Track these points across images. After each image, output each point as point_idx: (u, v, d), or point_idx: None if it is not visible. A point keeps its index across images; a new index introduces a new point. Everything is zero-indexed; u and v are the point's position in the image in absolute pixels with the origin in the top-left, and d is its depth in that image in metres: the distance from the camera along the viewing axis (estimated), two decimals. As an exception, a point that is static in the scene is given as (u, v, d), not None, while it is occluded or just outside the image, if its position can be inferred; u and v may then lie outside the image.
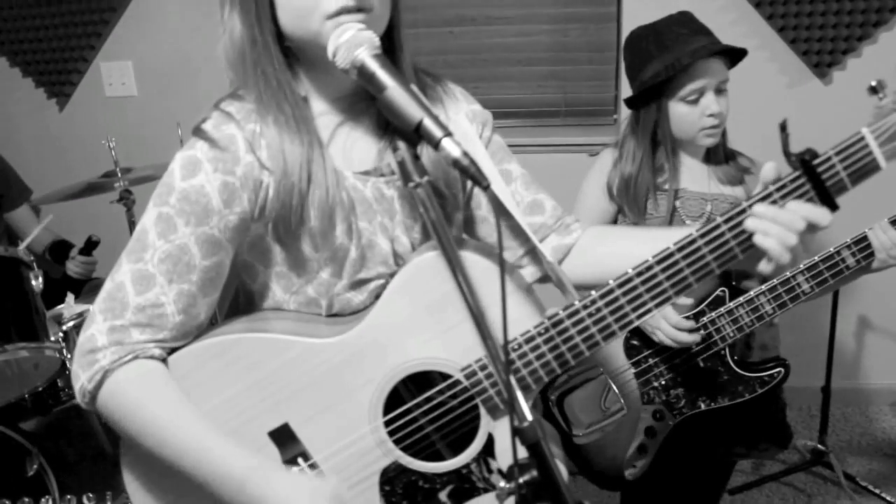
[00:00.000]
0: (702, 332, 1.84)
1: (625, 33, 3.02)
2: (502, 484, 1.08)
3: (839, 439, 3.12)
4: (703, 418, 1.90)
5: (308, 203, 1.17)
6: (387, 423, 1.22)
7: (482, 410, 1.22)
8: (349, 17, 1.09)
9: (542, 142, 3.20)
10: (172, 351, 1.19)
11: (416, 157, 1.08)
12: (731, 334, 1.85)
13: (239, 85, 1.20)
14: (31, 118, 3.50)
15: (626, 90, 2.08)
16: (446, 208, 1.29)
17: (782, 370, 1.87)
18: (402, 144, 1.09)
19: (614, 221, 2.05)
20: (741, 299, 1.84)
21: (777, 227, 1.06)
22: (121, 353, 1.14)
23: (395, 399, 1.22)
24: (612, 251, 1.32)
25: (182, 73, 3.22)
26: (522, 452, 0.97)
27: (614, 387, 1.86)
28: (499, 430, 1.22)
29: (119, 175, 2.62)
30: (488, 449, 1.23)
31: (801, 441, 3.02)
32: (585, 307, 1.15)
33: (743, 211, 1.09)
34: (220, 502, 1.17)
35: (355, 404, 1.20)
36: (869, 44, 2.91)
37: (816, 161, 1.06)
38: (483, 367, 1.19)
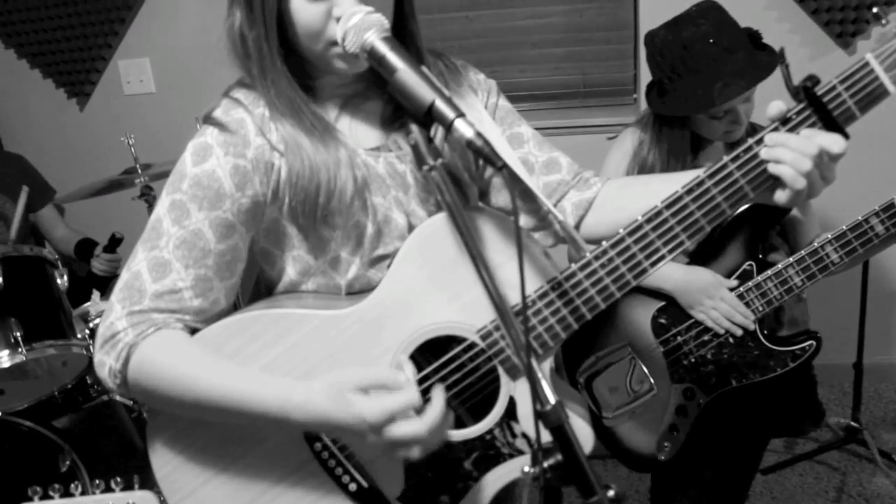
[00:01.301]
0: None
1: (641, 11, 3.01)
2: (527, 469, 1.07)
3: (873, 416, 3.07)
4: (734, 395, 1.88)
5: (333, 197, 1.18)
6: None
7: (501, 372, 1.21)
8: None
9: (561, 124, 3.17)
10: (194, 332, 1.20)
11: (430, 140, 1.08)
12: (761, 308, 1.83)
13: (245, 76, 1.21)
14: (53, 118, 3.53)
15: (645, 69, 2.04)
16: (462, 186, 1.29)
17: (814, 343, 1.85)
18: (414, 127, 1.08)
19: None
20: (769, 272, 1.81)
21: (789, 153, 1.04)
22: (143, 327, 1.15)
23: (414, 367, 1.21)
24: (633, 199, 1.28)
25: (199, 69, 3.22)
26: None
27: (643, 367, 1.84)
28: (519, 391, 1.21)
29: (139, 171, 2.63)
30: (510, 413, 1.22)
31: (833, 419, 2.98)
32: (597, 258, 1.15)
33: (749, 148, 1.08)
34: (250, 478, 1.20)
35: None
36: (893, 10, 2.84)
37: (822, 91, 1.04)
38: (498, 327, 1.18)
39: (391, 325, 1.19)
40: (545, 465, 1.02)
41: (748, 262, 1.83)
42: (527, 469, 1.12)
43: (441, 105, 1.02)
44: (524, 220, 1.35)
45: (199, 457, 1.25)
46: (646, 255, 1.14)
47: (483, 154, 0.98)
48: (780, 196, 1.08)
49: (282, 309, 1.21)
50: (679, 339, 1.87)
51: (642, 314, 1.89)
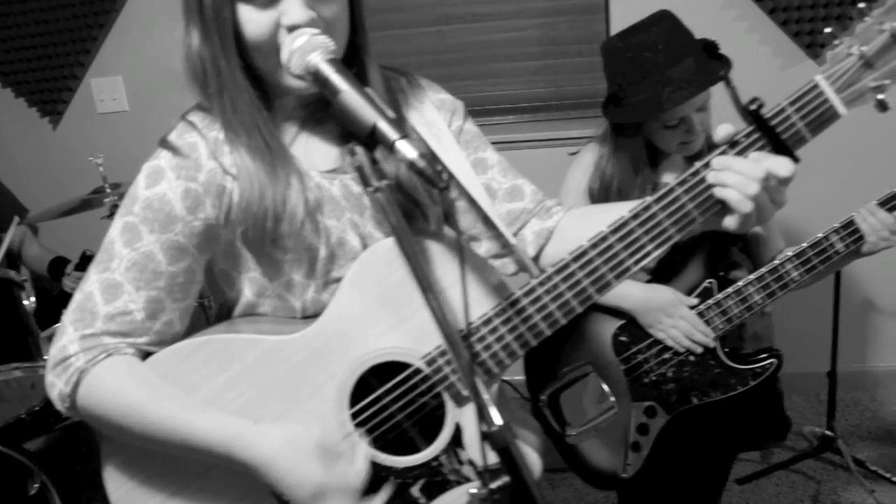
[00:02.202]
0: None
1: (613, 24, 3.02)
2: (473, 490, 1.07)
3: (849, 424, 3.07)
4: (696, 413, 1.87)
5: (282, 222, 1.18)
6: (353, 418, 1.21)
7: (447, 398, 1.20)
8: None
9: (536, 136, 3.18)
10: (147, 355, 1.20)
11: (374, 161, 1.07)
12: (721, 326, 1.82)
13: (203, 100, 1.21)
14: (26, 138, 3.50)
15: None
16: (421, 208, 1.28)
17: (775, 361, 1.84)
18: (359, 149, 1.08)
19: None
20: (730, 290, 1.81)
21: (735, 177, 1.02)
22: (94, 353, 1.15)
23: (362, 393, 1.21)
24: (593, 228, 1.23)
25: (173, 87, 3.20)
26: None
27: (604, 385, 1.84)
28: (465, 418, 1.20)
29: (108, 191, 2.62)
30: (457, 440, 1.21)
31: (808, 427, 2.99)
32: (542, 284, 1.13)
33: (696, 172, 1.06)
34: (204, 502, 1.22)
35: (321, 400, 1.20)
36: (861, 22, 2.86)
37: (770, 113, 1.02)
38: (443, 353, 1.17)
39: (337, 350, 1.19)
40: (492, 486, 1.01)
41: (709, 280, 1.83)
42: (473, 490, 1.11)
43: (383, 126, 1.01)
44: (486, 247, 1.35)
45: (152, 481, 1.24)
46: (591, 280, 1.12)
47: (425, 175, 0.97)
48: (729, 222, 1.06)
49: (231, 334, 1.21)
50: (640, 357, 1.87)
51: (603, 332, 1.88)
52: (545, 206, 1.35)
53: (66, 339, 1.16)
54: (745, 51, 2.90)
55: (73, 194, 2.79)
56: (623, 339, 1.87)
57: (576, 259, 1.12)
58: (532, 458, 1.22)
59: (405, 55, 3.23)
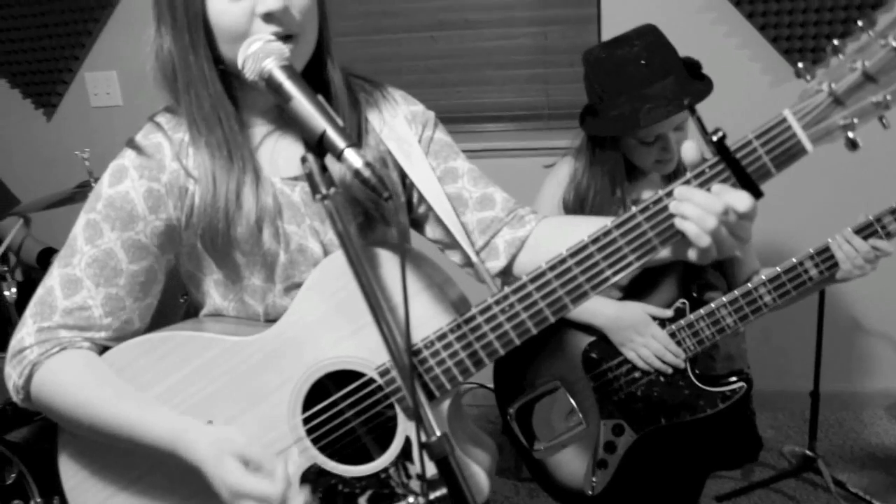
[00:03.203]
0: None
1: (605, 35, 3.02)
2: (411, 500, 1.07)
3: (832, 444, 3.06)
4: (665, 433, 1.86)
5: (235, 223, 1.19)
6: (305, 423, 1.21)
7: (398, 410, 1.19)
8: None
9: (526, 145, 3.16)
10: (105, 350, 1.22)
11: (324, 169, 1.07)
12: (692, 347, 1.81)
13: (172, 102, 1.23)
14: (20, 129, 3.52)
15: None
16: (381, 211, 1.27)
17: (744, 385, 1.82)
18: (309, 156, 1.08)
19: None
20: (702, 311, 1.80)
21: (694, 209, 1.00)
22: (48, 346, 1.17)
23: (317, 399, 1.21)
24: (565, 239, 1.19)
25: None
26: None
27: (572, 401, 1.83)
28: (415, 431, 1.19)
29: (93, 185, 2.63)
30: (406, 452, 1.20)
31: (788, 447, 2.97)
32: (498, 303, 1.12)
33: (659, 200, 1.04)
34: (155, 496, 1.24)
35: (275, 403, 1.20)
36: (851, 40, 2.85)
37: (736, 146, 1.00)
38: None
39: (292, 355, 1.19)
40: (431, 497, 1.01)
41: (681, 300, 1.82)
42: (412, 500, 1.11)
43: (332, 134, 1.01)
44: (459, 256, 1.34)
45: (106, 472, 1.26)
46: (548, 303, 1.11)
47: (369, 184, 0.97)
48: (691, 253, 1.05)
49: (193, 332, 1.22)
50: (610, 374, 1.86)
51: (574, 347, 1.87)
52: (518, 214, 1.33)
53: (24, 331, 1.19)
54: (735, 66, 2.90)
55: (65, 186, 2.81)
56: (593, 355, 1.87)
57: (533, 280, 1.11)
58: (480, 477, 1.21)
59: (397, 59, 3.23)
